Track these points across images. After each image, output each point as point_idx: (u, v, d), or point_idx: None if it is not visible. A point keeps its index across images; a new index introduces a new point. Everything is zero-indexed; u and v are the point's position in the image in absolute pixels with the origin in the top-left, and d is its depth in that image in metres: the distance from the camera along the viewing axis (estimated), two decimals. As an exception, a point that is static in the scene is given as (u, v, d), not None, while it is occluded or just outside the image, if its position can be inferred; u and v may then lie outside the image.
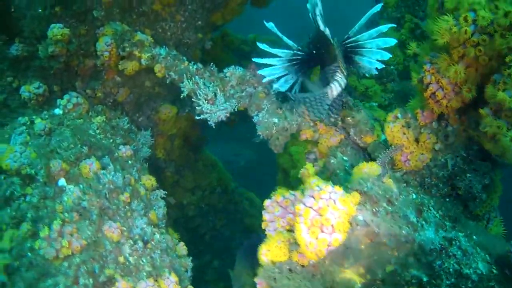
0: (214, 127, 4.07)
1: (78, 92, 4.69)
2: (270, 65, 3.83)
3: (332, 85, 3.62)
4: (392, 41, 3.62)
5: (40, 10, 4.42)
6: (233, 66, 4.21)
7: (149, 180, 4.16)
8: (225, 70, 4.23)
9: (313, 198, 2.88)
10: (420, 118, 3.53)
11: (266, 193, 3.28)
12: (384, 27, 3.61)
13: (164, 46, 4.43)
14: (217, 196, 6.99)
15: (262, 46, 3.72)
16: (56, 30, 4.25)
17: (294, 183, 5.68)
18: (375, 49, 3.66)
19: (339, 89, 3.65)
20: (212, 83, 4.14)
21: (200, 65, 4.27)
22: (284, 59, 3.86)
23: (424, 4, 5.77)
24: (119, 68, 4.52)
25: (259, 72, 3.84)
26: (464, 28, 2.86)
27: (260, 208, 7.68)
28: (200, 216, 6.78)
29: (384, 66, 3.73)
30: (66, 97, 4.43)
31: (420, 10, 5.81)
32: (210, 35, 5.63)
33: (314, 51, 3.98)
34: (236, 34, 6.59)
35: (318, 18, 3.45)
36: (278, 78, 3.84)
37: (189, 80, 4.14)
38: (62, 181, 3.62)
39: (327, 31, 3.50)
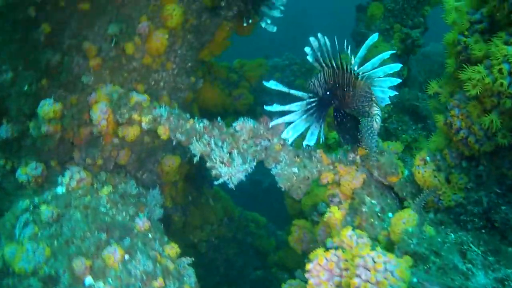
0: (234, 189, 3.81)
1: (77, 163, 4.34)
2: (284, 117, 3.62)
3: (375, 117, 3.37)
4: (397, 66, 3.44)
5: (26, 87, 4.04)
6: (242, 119, 3.92)
7: (172, 249, 3.91)
8: (234, 124, 3.94)
9: (368, 270, 2.70)
10: (450, 159, 3.39)
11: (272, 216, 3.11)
12: (386, 54, 3.42)
13: (164, 105, 4.10)
14: (225, 227, 6.77)
15: (272, 107, 3.51)
16: (47, 107, 3.91)
17: (306, 210, 5.52)
18: (384, 77, 3.45)
19: (380, 119, 3.43)
20: (225, 142, 3.85)
21: (206, 122, 3.98)
22: (301, 110, 3.61)
23: (412, 12, 5.58)
24: (120, 135, 4.19)
25: (283, 136, 3.60)
26: (499, 81, 2.69)
27: (266, 227, 7.41)
28: (212, 251, 6.55)
29: (397, 93, 3.51)
30: (67, 174, 4.09)
31: (408, 19, 5.62)
32: (200, 73, 5.33)
33: (327, 92, 3.71)
34: (220, 62, 6.28)
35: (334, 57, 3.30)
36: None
37: (199, 142, 3.85)
38: (89, 280, 3.34)
39: (350, 64, 3.30)
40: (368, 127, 3.41)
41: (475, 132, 3.04)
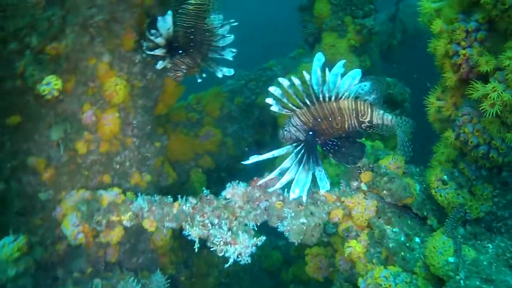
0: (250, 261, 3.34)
1: (63, 281, 3.74)
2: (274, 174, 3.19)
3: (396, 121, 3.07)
4: (358, 72, 3.02)
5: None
6: (229, 185, 3.42)
7: None
8: (223, 193, 3.44)
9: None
10: (469, 173, 3.05)
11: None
12: (357, 73, 2.99)
13: (141, 194, 3.53)
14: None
15: (252, 159, 3.13)
16: (8, 248, 3.24)
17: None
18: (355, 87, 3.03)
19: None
20: (221, 218, 3.34)
21: (193, 200, 3.44)
22: (295, 162, 3.14)
23: (360, 1, 5.11)
24: (103, 242, 3.60)
25: (292, 197, 3.14)
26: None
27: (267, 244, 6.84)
28: (225, 290, 6.09)
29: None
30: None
31: (358, 9, 5.14)
32: (161, 129, 4.74)
33: (310, 132, 3.25)
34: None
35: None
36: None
37: (193, 227, 3.33)
38: None
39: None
40: (402, 136, 3.08)
41: (497, 147, 2.73)
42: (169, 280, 4.18)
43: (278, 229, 3.46)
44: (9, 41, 3.11)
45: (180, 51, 3.71)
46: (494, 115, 2.47)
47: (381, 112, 3.04)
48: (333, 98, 2.98)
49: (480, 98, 2.49)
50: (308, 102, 3.00)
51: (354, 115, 3.03)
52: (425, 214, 3.41)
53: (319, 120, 3.07)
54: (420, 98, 3.42)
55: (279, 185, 3.28)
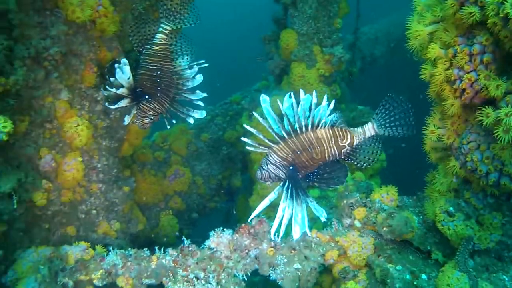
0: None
1: None
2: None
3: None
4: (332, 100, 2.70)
5: None
6: (213, 233, 2.89)
7: None
8: (206, 242, 2.90)
9: None
10: (476, 203, 2.71)
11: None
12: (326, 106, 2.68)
13: (113, 248, 2.92)
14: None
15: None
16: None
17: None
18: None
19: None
20: (207, 271, 2.79)
21: (173, 252, 2.88)
22: (288, 199, 2.69)
23: (327, 29, 4.83)
24: (69, 307, 2.92)
25: (296, 238, 2.64)
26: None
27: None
28: None
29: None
30: None
31: (325, 37, 4.85)
32: (128, 171, 4.13)
33: (290, 167, 2.82)
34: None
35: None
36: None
37: (176, 283, 2.76)
38: None
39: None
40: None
41: (510, 174, 2.35)
42: None
43: (271, 278, 2.95)
44: None
45: (146, 96, 3.19)
46: (510, 141, 2.12)
47: (359, 129, 2.78)
48: (309, 128, 2.67)
49: (492, 124, 2.14)
50: (285, 135, 2.65)
51: (333, 141, 2.74)
52: (428, 248, 3.02)
53: (298, 152, 2.70)
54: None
55: (266, 228, 2.84)
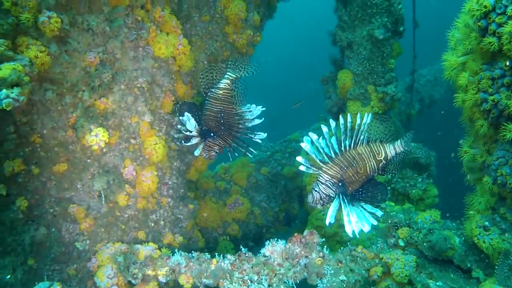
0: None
1: None
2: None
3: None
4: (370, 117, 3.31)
5: (8, 277, 3.34)
6: (268, 242, 3.41)
7: None
8: (262, 251, 3.40)
9: None
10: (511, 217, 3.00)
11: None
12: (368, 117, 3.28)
13: (178, 251, 3.51)
14: None
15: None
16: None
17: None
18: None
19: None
20: (261, 274, 3.27)
21: (231, 257, 3.40)
22: (344, 204, 3.19)
23: (381, 70, 5.41)
24: (137, 299, 3.51)
25: (364, 229, 3.06)
26: None
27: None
28: None
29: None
30: None
31: (379, 77, 5.43)
32: (192, 194, 4.78)
33: (340, 183, 3.33)
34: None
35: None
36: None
37: (233, 283, 3.25)
38: None
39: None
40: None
41: None
42: None
43: (318, 287, 3.36)
44: (65, 95, 3.33)
45: (212, 134, 3.89)
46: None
47: (390, 145, 3.34)
48: (352, 146, 3.24)
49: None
50: (332, 155, 3.20)
51: (371, 156, 3.28)
52: (469, 266, 3.31)
53: (345, 168, 3.23)
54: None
55: (317, 240, 3.31)
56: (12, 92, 2.81)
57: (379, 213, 3.07)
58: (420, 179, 5.18)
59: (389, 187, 4.95)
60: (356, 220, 3.04)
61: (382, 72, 5.41)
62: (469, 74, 2.98)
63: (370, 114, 3.32)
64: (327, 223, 3.06)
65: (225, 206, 5.49)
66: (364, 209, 3.13)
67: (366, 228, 3.00)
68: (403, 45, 5.67)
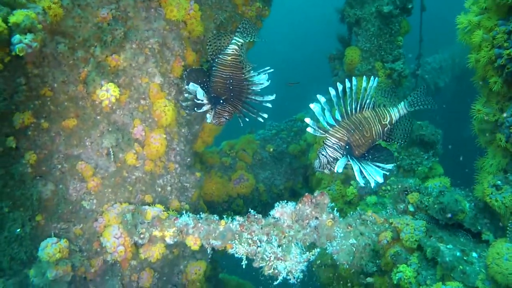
0: (296, 283, 3.15)
1: (96, 302, 3.53)
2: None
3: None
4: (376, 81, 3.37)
5: (18, 230, 3.29)
6: (278, 204, 3.34)
7: None
8: (271, 212, 3.35)
9: None
10: None
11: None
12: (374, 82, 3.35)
13: (186, 212, 3.46)
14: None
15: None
16: (51, 248, 3.17)
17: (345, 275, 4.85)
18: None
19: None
20: (271, 235, 3.22)
21: (240, 218, 3.35)
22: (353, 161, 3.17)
23: (388, 46, 5.39)
24: (142, 258, 3.47)
25: (378, 181, 3.02)
26: None
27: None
28: None
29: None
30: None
31: (387, 54, 5.41)
32: (198, 166, 4.74)
33: (346, 146, 3.32)
34: (208, 149, 5.71)
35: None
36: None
37: (242, 243, 3.20)
38: None
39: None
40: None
41: None
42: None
43: (327, 251, 3.32)
44: (77, 49, 3.28)
45: (221, 101, 3.84)
46: None
47: (394, 108, 3.37)
48: (358, 110, 3.28)
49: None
50: (339, 118, 3.22)
51: (377, 120, 3.31)
52: (479, 228, 3.27)
53: (351, 131, 3.24)
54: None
55: (327, 201, 3.28)
56: (26, 38, 2.78)
57: (389, 166, 3.05)
58: (426, 157, 5.15)
59: (395, 164, 4.95)
60: (368, 173, 3.01)
61: (390, 49, 5.39)
62: (483, 32, 2.95)
63: (376, 78, 3.34)
64: (335, 171, 3.03)
65: (230, 181, 5.45)
66: (374, 165, 3.12)
67: (379, 179, 2.98)
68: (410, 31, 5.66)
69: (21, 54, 2.77)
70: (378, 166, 3.11)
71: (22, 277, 3.37)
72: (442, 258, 3.14)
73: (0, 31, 2.60)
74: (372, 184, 2.97)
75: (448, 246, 3.24)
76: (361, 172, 3.03)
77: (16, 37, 2.74)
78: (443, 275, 3.14)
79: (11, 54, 2.77)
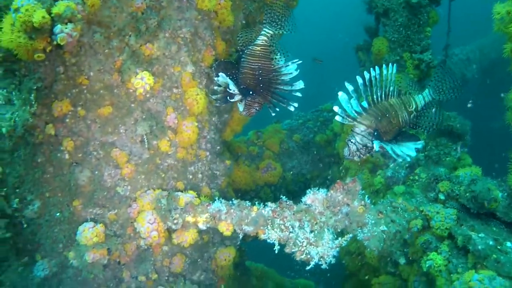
0: (328, 267, 3.12)
1: (127, 284, 3.58)
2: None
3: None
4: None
5: (57, 214, 3.36)
6: (310, 190, 3.32)
7: None
8: (303, 199, 3.33)
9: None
10: None
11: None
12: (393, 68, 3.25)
13: (218, 198, 3.46)
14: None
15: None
16: (89, 232, 3.23)
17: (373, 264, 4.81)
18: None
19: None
20: (303, 221, 3.20)
21: (272, 204, 3.34)
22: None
23: (416, 37, 5.28)
24: (175, 243, 3.50)
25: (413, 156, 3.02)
26: None
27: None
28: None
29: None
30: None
31: (415, 44, 5.30)
32: (227, 154, 4.74)
33: (375, 133, 3.29)
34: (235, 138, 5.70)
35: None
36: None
37: (274, 229, 3.19)
38: None
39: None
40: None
41: None
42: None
43: (358, 237, 3.29)
44: (112, 39, 3.31)
45: (251, 92, 3.79)
46: None
47: (419, 95, 3.35)
48: (384, 98, 3.23)
49: None
50: (366, 106, 3.18)
51: (403, 107, 3.29)
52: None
53: (379, 118, 3.20)
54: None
55: (359, 188, 3.24)
56: (66, 28, 2.82)
57: (420, 143, 3.04)
58: (454, 148, 5.03)
59: (423, 154, 4.86)
60: (400, 151, 2.99)
61: (418, 40, 5.27)
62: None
63: (395, 64, 3.29)
64: (375, 148, 3.04)
65: (257, 170, 5.45)
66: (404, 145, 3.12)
67: (412, 154, 2.99)
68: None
69: (62, 44, 2.81)
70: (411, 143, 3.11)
71: (62, 259, 3.46)
72: (474, 246, 3.07)
73: (45, 22, 2.63)
74: (408, 158, 3.00)
75: (480, 235, 3.16)
76: (393, 152, 3.02)
77: (58, 27, 2.78)
78: (475, 264, 3.08)
79: (53, 44, 2.81)
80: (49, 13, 2.68)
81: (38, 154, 3.32)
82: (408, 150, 3.07)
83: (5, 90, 2.82)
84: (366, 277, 4.58)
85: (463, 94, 3.34)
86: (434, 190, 3.57)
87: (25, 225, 3.37)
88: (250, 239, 4.59)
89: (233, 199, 3.52)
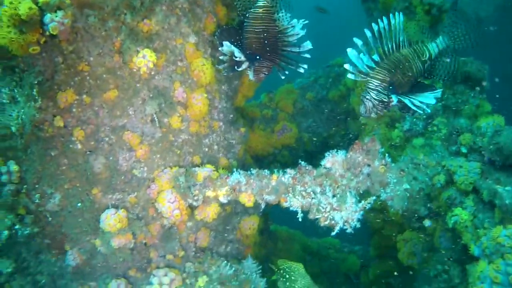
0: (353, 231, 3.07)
1: (157, 264, 3.62)
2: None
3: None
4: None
5: (79, 204, 3.35)
6: (328, 153, 3.20)
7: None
8: (322, 162, 3.22)
9: None
10: None
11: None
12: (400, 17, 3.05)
13: (237, 170, 3.39)
14: (309, 264, 5.97)
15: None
16: (112, 219, 3.23)
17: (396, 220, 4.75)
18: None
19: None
20: (324, 185, 3.12)
21: (291, 171, 3.25)
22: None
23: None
24: (198, 219, 3.48)
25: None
26: None
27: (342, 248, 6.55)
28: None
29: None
30: (155, 281, 3.40)
31: (424, -13, 4.96)
32: (241, 121, 4.63)
33: (390, 87, 3.13)
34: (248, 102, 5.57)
35: None
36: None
37: (296, 197, 3.13)
38: None
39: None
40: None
41: None
42: (260, 267, 3.97)
43: (381, 198, 3.20)
44: (107, 20, 3.15)
45: (258, 57, 3.60)
46: None
47: (433, 43, 3.16)
48: (395, 48, 3.06)
49: None
50: (378, 60, 3.02)
51: (416, 57, 3.12)
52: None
53: (393, 71, 3.03)
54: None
55: (378, 147, 3.13)
56: (56, 16, 2.68)
57: (438, 92, 2.90)
58: (472, 94, 4.80)
59: (440, 103, 4.66)
60: (418, 102, 2.87)
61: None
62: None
63: (401, 13, 3.07)
64: (393, 101, 2.94)
65: (273, 133, 5.35)
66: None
67: (432, 102, 2.87)
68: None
69: (54, 33, 2.67)
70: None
71: (90, 247, 3.48)
72: (500, 200, 2.96)
73: (33, 13, 2.49)
74: (427, 109, 2.86)
75: (506, 188, 3.04)
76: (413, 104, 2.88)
77: (47, 16, 2.64)
78: (502, 218, 2.98)
79: (46, 35, 2.68)
80: (36, 3, 2.53)
81: (51, 147, 3.26)
82: (427, 99, 2.91)
83: (7, 88, 2.73)
84: (393, 234, 4.55)
85: (480, 39, 3.13)
86: (455, 143, 3.42)
87: (49, 218, 3.38)
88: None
89: (252, 168, 3.45)
